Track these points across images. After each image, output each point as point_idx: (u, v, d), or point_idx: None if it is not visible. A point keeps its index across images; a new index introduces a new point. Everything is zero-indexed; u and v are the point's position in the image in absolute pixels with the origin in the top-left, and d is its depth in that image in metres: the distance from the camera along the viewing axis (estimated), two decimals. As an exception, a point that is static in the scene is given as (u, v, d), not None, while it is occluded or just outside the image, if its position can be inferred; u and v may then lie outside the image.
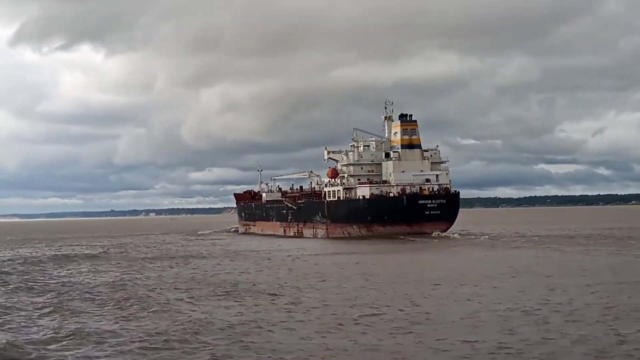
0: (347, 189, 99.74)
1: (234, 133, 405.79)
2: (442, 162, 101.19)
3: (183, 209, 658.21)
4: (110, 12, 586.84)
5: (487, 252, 65.08)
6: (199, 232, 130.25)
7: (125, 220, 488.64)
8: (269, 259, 61.14)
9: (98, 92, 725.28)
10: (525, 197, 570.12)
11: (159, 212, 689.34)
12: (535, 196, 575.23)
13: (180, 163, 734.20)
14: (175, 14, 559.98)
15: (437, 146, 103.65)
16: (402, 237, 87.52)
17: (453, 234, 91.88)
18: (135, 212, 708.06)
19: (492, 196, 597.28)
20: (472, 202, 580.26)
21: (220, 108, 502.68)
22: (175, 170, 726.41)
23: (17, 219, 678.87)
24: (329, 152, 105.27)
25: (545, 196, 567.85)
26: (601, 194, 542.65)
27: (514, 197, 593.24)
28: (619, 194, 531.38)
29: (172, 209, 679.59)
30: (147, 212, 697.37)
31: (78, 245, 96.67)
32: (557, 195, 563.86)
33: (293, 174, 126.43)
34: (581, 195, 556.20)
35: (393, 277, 43.44)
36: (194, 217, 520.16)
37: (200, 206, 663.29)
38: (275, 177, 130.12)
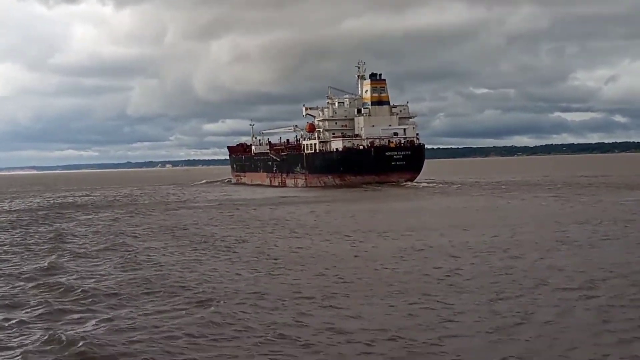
0: (323, 142, 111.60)
1: (244, 84, 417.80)
2: (410, 117, 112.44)
3: (199, 160, 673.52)
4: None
5: (426, 199, 75.26)
6: (194, 183, 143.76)
7: (140, 172, 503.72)
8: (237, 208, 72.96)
9: (109, 44, 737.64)
10: (540, 146, 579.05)
11: (175, 163, 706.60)
12: (552, 144, 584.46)
13: (193, 115, 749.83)
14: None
15: (407, 102, 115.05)
16: (364, 186, 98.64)
17: (419, 182, 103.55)
18: (151, 164, 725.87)
19: (508, 145, 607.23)
20: (487, 151, 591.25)
21: (230, 59, 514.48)
22: (188, 122, 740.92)
23: (35, 171, 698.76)
24: (307, 109, 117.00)
25: (561, 144, 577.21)
26: (617, 141, 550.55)
27: (530, 145, 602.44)
28: (636, 141, 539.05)
29: (188, 160, 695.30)
30: (164, 163, 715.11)
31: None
32: (573, 144, 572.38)
33: (280, 128, 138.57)
34: (597, 143, 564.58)
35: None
36: (209, 168, 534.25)
37: (215, 157, 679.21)
38: (264, 131, 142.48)
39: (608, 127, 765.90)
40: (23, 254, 34.99)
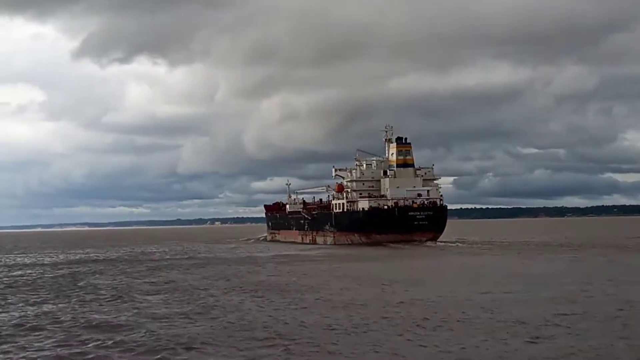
0: (350, 202, 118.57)
1: (293, 142, 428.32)
2: (434, 179, 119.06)
3: (247, 217, 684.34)
4: (168, 25, 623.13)
5: (444, 258, 79.38)
6: (227, 239, 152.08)
7: (188, 229, 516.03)
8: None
9: (162, 103, 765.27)
10: (590, 207, 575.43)
11: (224, 220, 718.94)
12: (602, 205, 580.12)
13: (243, 172, 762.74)
14: (233, 26, 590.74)
15: (433, 165, 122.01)
16: (391, 244, 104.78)
17: (440, 242, 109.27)
18: (200, 221, 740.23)
19: (558, 205, 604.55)
20: (537, 211, 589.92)
21: (280, 118, 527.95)
22: (238, 180, 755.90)
23: (87, 227, 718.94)
24: (336, 170, 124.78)
25: (613, 205, 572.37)
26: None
27: (581, 206, 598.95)
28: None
29: (237, 217, 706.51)
30: (213, 220, 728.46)
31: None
32: (625, 205, 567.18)
33: (313, 188, 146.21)
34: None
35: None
36: (257, 225, 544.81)
37: (263, 215, 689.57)
38: (298, 191, 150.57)
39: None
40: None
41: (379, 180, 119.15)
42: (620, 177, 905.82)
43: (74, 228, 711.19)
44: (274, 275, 55.45)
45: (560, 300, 35.16)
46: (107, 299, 40.81)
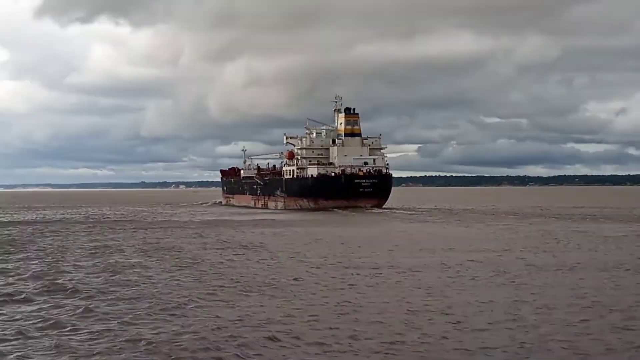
0: (300, 169, 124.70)
1: (258, 107, 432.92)
2: (380, 149, 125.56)
3: (212, 182, 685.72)
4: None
5: (375, 224, 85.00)
6: (181, 204, 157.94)
7: (152, 191, 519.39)
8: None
9: (126, 64, 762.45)
10: (553, 177, 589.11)
11: (188, 184, 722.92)
12: (564, 175, 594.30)
13: (207, 136, 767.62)
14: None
15: (380, 135, 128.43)
16: (337, 210, 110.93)
17: (386, 208, 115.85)
18: (165, 184, 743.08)
19: (521, 174, 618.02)
20: (500, 180, 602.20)
21: (244, 82, 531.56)
22: (202, 144, 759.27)
23: (50, 189, 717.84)
24: (287, 138, 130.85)
25: (574, 175, 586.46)
26: (631, 174, 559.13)
27: (544, 175, 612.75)
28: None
29: (202, 181, 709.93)
30: (177, 184, 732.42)
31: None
32: (586, 175, 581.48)
33: (268, 154, 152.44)
34: (610, 175, 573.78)
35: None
36: (217, 189, 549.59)
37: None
38: (252, 157, 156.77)
39: (622, 159, 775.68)
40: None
41: (328, 149, 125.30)
42: (582, 148, 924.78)
43: (36, 189, 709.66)
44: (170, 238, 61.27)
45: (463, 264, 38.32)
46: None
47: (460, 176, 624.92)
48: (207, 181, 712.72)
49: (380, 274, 34.44)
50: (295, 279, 32.55)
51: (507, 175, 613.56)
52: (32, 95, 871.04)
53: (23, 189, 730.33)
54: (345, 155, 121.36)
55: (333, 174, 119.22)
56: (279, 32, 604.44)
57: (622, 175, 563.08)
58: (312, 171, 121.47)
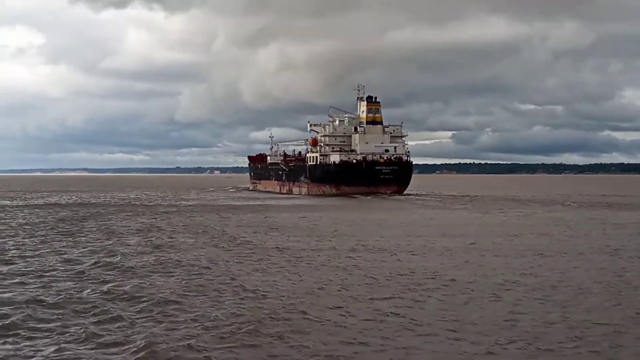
0: (323, 155, 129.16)
1: (291, 93, 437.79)
2: (402, 136, 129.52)
3: (246, 167, 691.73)
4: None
5: (395, 211, 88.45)
6: (219, 189, 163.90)
7: (186, 177, 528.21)
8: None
9: (161, 49, 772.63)
10: (588, 165, 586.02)
11: (223, 169, 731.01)
12: (601, 163, 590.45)
13: (240, 122, 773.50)
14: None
15: (402, 123, 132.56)
16: (358, 195, 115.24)
17: (406, 195, 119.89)
18: (200, 170, 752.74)
19: (557, 162, 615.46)
20: (535, 168, 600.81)
21: (277, 68, 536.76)
22: (236, 129, 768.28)
23: (86, 173, 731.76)
24: (311, 125, 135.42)
25: (611, 164, 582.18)
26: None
27: (580, 163, 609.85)
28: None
29: (236, 167, 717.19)
30: (212, 169, 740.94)
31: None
32: (622, 163, 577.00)
33: (294, 141, 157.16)
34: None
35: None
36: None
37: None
38: (280, 143, 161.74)
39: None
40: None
41: (350, 136, 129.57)
42: (619, 135, 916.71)
43: (73, 173, 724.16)
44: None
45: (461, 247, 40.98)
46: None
47: (495, 164, 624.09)
48: (241, 167, 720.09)
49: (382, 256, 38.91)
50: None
51: (543, 163, 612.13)
52: (67, 80, 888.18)
53: (60, 173, 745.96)
54: (367, 143, 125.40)
55: (354, 161, 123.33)
56: (312, 18, 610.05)
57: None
58: (335, 158, 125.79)
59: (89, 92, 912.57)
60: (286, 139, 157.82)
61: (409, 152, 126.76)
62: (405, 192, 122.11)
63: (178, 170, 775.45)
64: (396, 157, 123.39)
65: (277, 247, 40.46)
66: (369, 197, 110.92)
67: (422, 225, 57.22)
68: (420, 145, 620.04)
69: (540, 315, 22.12)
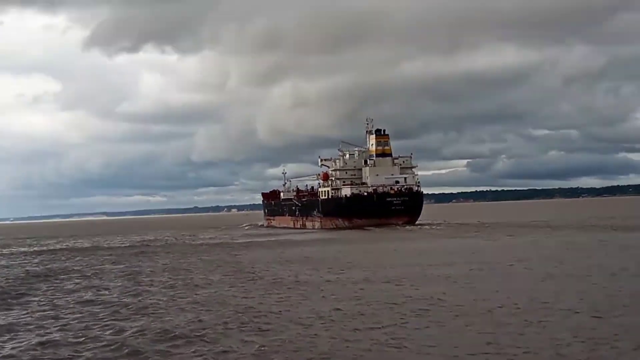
0: (335, 189, 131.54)
1: (305, 129, 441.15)
2: (412, 167, 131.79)
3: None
4: (175, 13, 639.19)
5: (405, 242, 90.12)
6: (222, 227, 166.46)
7: (203, 216, 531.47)
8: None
9: (176, 91, 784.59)
10: (605, 187, 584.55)
11: (240, 207, 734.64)
12: (618, 185, 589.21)
13: (256, 159, 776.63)
14: (241, 13, 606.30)
15: (411, 154, 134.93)
16: (371, 227, 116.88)
17: (419, 224, 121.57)
18: (217, 208, 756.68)
19: (574, 186, 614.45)
20: (552, 193, 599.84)
21: (291, 104, 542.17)
22: (252, 167, 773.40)
23: (105, 217, 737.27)
24: (321, 160, 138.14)
25: (628, 185, 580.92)
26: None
27: (597, 186, 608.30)
28: None
29: (253, 204, 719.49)
30: (229, 207, 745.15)
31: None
32: (639, 185, 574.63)
33: (307, 176, 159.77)
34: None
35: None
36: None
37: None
38: (292, 179, 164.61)
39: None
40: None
41: (361, 169, 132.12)
42: (635, 157, 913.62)
43: (92, 218, 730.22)
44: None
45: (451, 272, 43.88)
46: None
47: (511, 190, 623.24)
48: (258, 204, 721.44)
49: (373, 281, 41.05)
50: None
51: (560, 188, 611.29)
52: (85, 125, 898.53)
53: (79, 218, 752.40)
54: (377, 175, 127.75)
55: (366, 194, 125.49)
56: (323, 54, 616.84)
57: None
58: (346, 191, 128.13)
59: (106, 136, 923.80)
60: (302, 174, 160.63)
61: (419, 182, 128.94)
62: (417, 222, 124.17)
63: (196, 209, 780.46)
64: (407, 188, 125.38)
65: (295, 280, 42.63)
66: (381, 229, 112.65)
67: (429, 255, 58.33)
68: (436, 175, 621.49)
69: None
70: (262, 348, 23.43)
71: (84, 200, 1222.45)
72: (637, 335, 23.10)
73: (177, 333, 26.27)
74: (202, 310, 31.69)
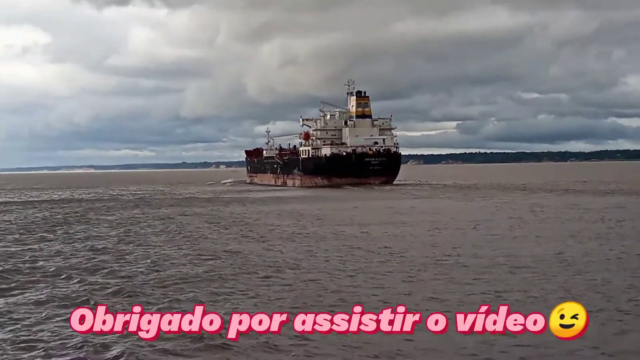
0: (315, 149, 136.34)
1: (295, 87, 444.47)
2: (390, 129, 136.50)
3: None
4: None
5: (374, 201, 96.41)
6: (209, 182, 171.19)
7: (192, 172, 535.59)
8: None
9: (166, 45, 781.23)
10: (594, 152, 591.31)
11: (229, 164, 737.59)
12: (606, 150, 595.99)
13: (245, 116, 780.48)
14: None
15: (391, 116, 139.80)
16: (349, 186, 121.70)
17: (395, 184, 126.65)
18: (206, 164, 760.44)
19: (562, 150, 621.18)
20: (541, 156, 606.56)
21: (281, 62, 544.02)
22: (241, 124, 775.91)
23: (93, 170, 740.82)
24: (303, 120, 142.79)
25: (615, 150, 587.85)
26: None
27: (585, 151, 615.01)
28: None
29: (241, 161, 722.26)
30: (218, 164, 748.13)
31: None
32: (628, 150, 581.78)
33: (290, 135, 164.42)
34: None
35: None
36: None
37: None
38: (275, 137, 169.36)
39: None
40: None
41: (341, 130, 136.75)
42: (624, 122, 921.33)
43: (80, 170, 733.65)
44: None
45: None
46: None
47: (500, 153, 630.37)
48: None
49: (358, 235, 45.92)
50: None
51: (549, 152, 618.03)
52: (73, 78, 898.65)
53: (66, 170, 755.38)
54: (357, 136, 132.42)
55: (344, 154, 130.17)
56: (315, 12, 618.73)
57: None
58: (326, 151, 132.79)
59: (95, 89, 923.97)
60: (291, 132, 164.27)
61: (397, 143, 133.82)
62: (394, 182, 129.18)
63: (184, 165, 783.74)
64: (385, 149, 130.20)
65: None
66: (358, 188, 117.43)
67: (397, 213, 60.43)
68: (426, 135, 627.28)
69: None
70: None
71: (71, 153, 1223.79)
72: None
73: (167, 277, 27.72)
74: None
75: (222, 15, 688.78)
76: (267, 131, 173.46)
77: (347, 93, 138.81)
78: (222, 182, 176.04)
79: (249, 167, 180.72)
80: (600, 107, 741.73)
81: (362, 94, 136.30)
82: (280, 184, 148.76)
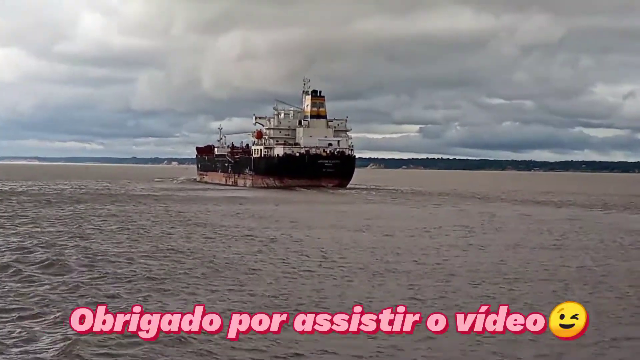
0: (267, 148, 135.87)
1: (252, 82, 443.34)
2: (346, 131, 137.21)
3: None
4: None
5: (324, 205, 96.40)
6: (156, 179, 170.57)
7: (143, 168, 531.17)
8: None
9: (118, 34, 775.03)
10: (559, 162, 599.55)
11: (181, 160, 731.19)
12: (571, 160, 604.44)
13: (200, 111, 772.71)
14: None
15: (347, 117, 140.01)
16: (301, 188, 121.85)
17: (348, 188, 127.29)
18: (157, 160, 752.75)
19: (527, 159, 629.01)
20: (504, 164, 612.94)
21: (238, 55, 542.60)
22: (195, 119, 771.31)
23: (37, 162, 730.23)
24: (256, 118, 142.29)
25: (581, 161, 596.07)
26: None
27: (550, 160, 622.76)
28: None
29: (194, 158, 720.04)
30: (169, 160, 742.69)
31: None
32: (594, 161, 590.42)
33: (244, 132, 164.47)
34: (619, 161, 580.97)
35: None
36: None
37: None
38: (227, 134, 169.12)
39: (633, 145, 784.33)
40: None
41: (295, 130, 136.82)
42: (591, 132, 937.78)
43: (23, 162, 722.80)
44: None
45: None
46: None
47: (463, 159, 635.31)
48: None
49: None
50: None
51: (512, 160, 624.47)
52: (18, 64, 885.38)
53: (10, 161, 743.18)
54: (311, 137, 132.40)
55: (298, 154, 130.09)
56: (275, 5, 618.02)
57: (631, 162, 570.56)
58: (279, 151, 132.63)
59: (41, 77, 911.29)
60: (246, 129, 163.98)
61: (352, 146, 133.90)
62: (348, 186, 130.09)
63: (134, 160, 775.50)
64: (339, 151, 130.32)
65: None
66: (311, 190, 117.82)
67: (347, 218, 60.68)
68: (388, 138, 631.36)
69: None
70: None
71: (15, 143, 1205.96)
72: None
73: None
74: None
75: (177, 4, 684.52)
76: (219, 128, 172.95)
77: (303, 92, 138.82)
78: (172, 180, 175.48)
79: (199, 165, 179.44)
80: (567, 116, 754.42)
81: (318, 94, 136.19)
82: (230, 183, 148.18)
